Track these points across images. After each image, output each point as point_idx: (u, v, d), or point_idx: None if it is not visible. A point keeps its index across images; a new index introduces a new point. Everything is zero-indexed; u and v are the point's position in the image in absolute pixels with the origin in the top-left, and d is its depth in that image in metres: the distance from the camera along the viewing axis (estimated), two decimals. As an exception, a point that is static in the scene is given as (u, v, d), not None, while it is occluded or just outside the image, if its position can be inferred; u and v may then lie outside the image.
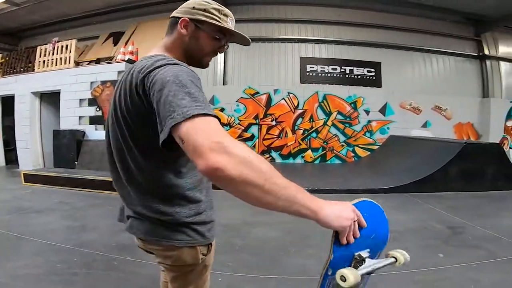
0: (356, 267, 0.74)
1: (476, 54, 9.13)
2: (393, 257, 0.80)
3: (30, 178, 5.31)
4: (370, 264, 0.76)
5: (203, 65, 1.03)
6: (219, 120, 0.72)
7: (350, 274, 0.67)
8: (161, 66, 0.80)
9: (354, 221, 0.71)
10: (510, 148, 8.64)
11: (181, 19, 0.93)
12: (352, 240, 0.72)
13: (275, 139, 8.39)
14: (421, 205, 4.31)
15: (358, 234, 0.73)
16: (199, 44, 0.97)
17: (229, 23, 0.97)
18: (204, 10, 0.92)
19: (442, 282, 2.20)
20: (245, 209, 2.52)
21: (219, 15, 0.94)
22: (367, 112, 8.37)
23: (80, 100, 6.36)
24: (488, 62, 9.04)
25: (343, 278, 0.68)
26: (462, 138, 8.38)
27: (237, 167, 0.61)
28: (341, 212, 0.70)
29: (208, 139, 0.64)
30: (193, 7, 0.93)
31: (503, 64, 9.12)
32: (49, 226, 3.27)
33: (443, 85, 8.86)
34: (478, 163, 5.20)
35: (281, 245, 2.87)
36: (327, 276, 0.77)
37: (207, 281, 1.11)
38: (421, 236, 3.15)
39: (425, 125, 8.49)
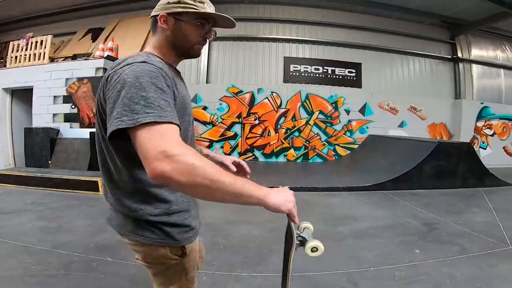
0: (304, 240, 0.87)
1: (450, 57, 9.55)
2: (306, 227, 0.95)
3: (1, 178, 5.04)
4: (308, 235, 0.90)
5: (195, 54, 1.03)
6: (178, 124, 0.78)
7: (319, 243, 0.83)
8: (127, 64, 0.81)
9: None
10: (480, 147, 9.11)
11: (160, 15, 0.94)
12: (297, 220, 0.86)
13: (258, 138, 8.41)
14: (397, 202, 4.46)
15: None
16: (184, 35, 0.97)
17: (207, 8, 0.97)
18: (179, 2, 0.93)
19: (420, 277, 2.28)
20: (226, 207, 2.53)
21: (194, 3, 0.94)
22: (348, 112, 8.56)
23: (55, 97, 6.07)
24: (461, 65, 9.49)
25: (315, 249, 0.84)
26: (435, 138, 8.76)
27: (183, 174, 0.68)
28: (285, 196, 0.83)
29: (155, 149, 0.69)
30: (168, 2, 0.94)
31: (475, 67, 9.60)
32: (22, 228, 3.13)
33: (418, 86, 9.23)
34: (450, 162, 5.43)
35: (264, 243, 2.88)
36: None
37: (194, 283, 1.09)
38: (397, 232, 3.25)
39: (401, 125, 8.79)
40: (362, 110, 8.63)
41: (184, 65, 8.43)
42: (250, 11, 8.90)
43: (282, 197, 0.82)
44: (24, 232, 3.00)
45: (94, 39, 8.65)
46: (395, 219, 3.70)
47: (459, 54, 9.46)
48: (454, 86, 9.58)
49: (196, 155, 0.73)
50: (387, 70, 9.20)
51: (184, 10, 0.93)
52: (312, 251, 0.86)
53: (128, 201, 0.93)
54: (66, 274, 2.20)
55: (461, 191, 5.19)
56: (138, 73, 0.78)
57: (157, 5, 0.98)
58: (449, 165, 5.42)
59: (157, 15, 0.95)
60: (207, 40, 1.06)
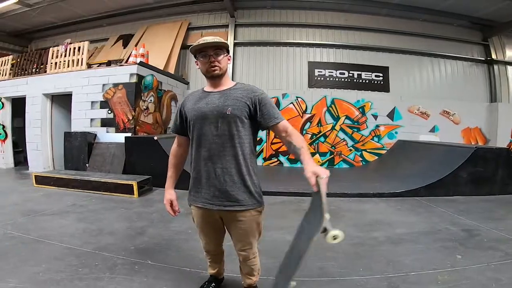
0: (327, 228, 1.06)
1: (483, 59, 9.11)
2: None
3: (41, 180, 5.30)
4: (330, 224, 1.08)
5: (211, 75, 1.61)
6: (176, 133, 1.79)
7: (341, 233, 1.02)
8: None
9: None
10: (518, 152, 8.60)
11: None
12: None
13: (283, 143, 8.37)
14: (432, 209, 4.30)
15: None
16: (201, 68, 1.63)
17: (200, 41, 1.55)
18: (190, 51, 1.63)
19: (464, 281, 2.21)
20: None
21: (194, 45, 1.55)
22: (375, 116, 8.38)
23: (92, 102, 6.36)
24: (495, 67, 9.01)
25: (336, 237, 1.02)
26: (470, 143, 8.37)
27: None
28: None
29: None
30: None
31: (510, 69, 9.09)
32: (66, 230, 3.22)
33: (451, 89, 8.85)
34: (488, 168, 5.17)
35: (298, 249, 2.87)
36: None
37: (201, 234, 1.85)
38: (436, 238, 3.14)
39: (433, 129, 8.47)
40: (391, 115, 8.41)
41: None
42: (273, 16, 8.98)
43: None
44: (69, 234, 3.07)
45: (125, 45, 9.05)
46: (432, 225, 3.56)
47: (493, 56, 9.01)
48: (489, 89, 9.09)
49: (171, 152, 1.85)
50: (416, 73, 8.90)
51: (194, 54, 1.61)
52: (334, 238, 1.02)
53: None
54: (112, 277, 2.22)
55: (500, 198, 4.96)
56: None
57: None
58: (487, 171, 5.16)
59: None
60: (217, 59, 1.56)
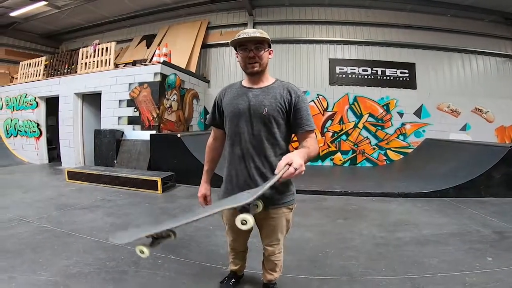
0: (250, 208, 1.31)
1: (517, 55, 8.57)
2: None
3: (73, 175, 5.58)
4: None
5: (249, 72, 1.56)
6: (213, 126, 1.77)
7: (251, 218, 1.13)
8: None
9: None
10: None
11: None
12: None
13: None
14: (462, 210, 4.09)
15: None
16: (240, 62, 1.57)
17: (241, 35, 1.49)
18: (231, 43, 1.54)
19: (493, 284, 2.12)
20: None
21: (234, 38, 1.50)
22: (401, 114, 8.10)
23: (119, 101, 6.63)
24: (530, 63, 8.45)
25: (244, 222, 1.12)
26: (504, 142, 7.89)
27: None
28: None
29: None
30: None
31: (545, 64, 8.48)
32: (95, 223, 3.35)
33: (483, 86, 8.40)
34: None
35: (318, 247, 2.85)
36: None
37: (229, 231, 1.81)
38: (465, 240, 3.01)
39: (464, 128, 8.08)
40: (418, 113, 8.09)
41: (230, 72, 8.83)
42: (291, 14, 8.94)
43: None
44: (97, 228, 3.20)
45: (148, 45, 9.36)
46: (462, 227, 3.40)
47: (528, 52, 8.44)
48: (525, 86, 8.54)
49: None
50: (446, 69, 8.51)
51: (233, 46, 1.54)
52: (243, 223, 1.12)
53: None
54: (137, 271, 2.28)
55: None
56: None
57: None
58: None
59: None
60: (258, 55, 1.51)
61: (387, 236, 3.13)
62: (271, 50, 1.57)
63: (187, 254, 2.62)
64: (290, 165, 1.19)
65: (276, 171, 1.21)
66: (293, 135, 1.64)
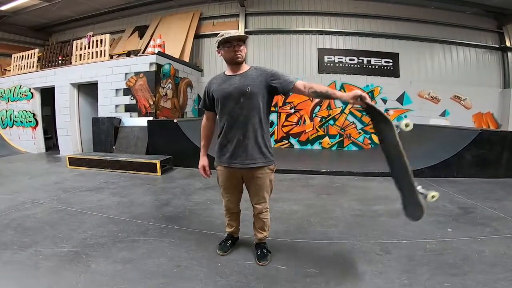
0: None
1: (497, 46, 8.99)
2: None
3: (74, 161, 5.81)
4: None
5: (236, 61, 1.97)
6: (205, 109, 2.19)
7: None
8: None
9: None
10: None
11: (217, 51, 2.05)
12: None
13: (293, 126, 8.72)
14: (435, 188, 4.37)
15: None
16: (225, 55, 1.98)
17: (225, 35, 1.90)
18: (217, 44, 1.97)
19: (449, 251, 2.40)
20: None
21: (220, 38, 1.92)
22: (384, 101, 8.52)
23: (116, 90, 6.84)
24: (510, 54, 8.89)
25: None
26: (481, 127, 8.38)
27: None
28: None
29: None
30: (216, 45, 2.00)
31: (524, 56, 8.92)
32: (103, 202, 3.63)
33: (463, 75, 8.84)
34: (494, 151, 5.20)
35: (303, 217, 3.22)
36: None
37: (224, 192, 2.21)
38: (432, 213, 3.29)
39: (443, 114, 8.55)
40: (400, 99, 8.52)
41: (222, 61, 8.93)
42: (282, 5, 9.12)
43: None
44: (106, 206, 3.49)
45: (141, 36, 9.40)
46: (431, 203, 3.77)
47: (508, 43, 8.87)
48: (503, 76, 9.00)
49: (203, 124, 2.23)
50: (427, 59, 8.91)
51: (218, 45, 1.96)
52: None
53: None
54: (146, 239, 2.60)
55: (504, 181, 4.98)
56: None
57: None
58: (492, 154, 5.20)
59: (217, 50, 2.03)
60: (237, 51, 1.93)
61: (364, 209, 3.52)
62: (246, 46, 2.03)
63: (189, 224, 2.98)
64: (359, 96, 1.74)
65: (362, 105, 1.82)
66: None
